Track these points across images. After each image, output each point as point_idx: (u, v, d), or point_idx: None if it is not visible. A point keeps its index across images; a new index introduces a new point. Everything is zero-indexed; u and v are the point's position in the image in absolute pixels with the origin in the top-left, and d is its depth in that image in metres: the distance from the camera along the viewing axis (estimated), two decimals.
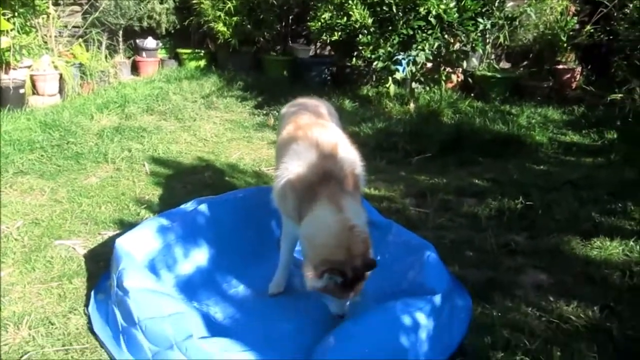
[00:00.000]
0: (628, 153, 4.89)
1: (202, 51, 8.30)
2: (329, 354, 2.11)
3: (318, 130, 2.60)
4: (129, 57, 8.11)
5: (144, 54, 8.16)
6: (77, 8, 7.91)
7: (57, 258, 3.14)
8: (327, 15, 5.82)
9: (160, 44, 8.30)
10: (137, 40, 8.13)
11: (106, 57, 7.41)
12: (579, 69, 7.16)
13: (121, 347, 2.32)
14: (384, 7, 5.46)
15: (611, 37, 6.63)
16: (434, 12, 5.23)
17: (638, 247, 3.29)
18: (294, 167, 2.46)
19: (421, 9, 5.28)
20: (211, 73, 7.77)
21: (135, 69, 8.17)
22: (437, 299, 2.37)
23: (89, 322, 2.55)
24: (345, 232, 2.23)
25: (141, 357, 2.24)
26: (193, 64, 8.22)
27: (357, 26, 5.51)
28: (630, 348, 2.40)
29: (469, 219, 3.76)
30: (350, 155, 2.56)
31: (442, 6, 5.16)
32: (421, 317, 2.26)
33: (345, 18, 5.67)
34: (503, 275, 3.03)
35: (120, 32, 7.87)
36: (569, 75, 7.15)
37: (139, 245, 2.71)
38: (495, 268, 3.11)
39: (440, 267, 2.69)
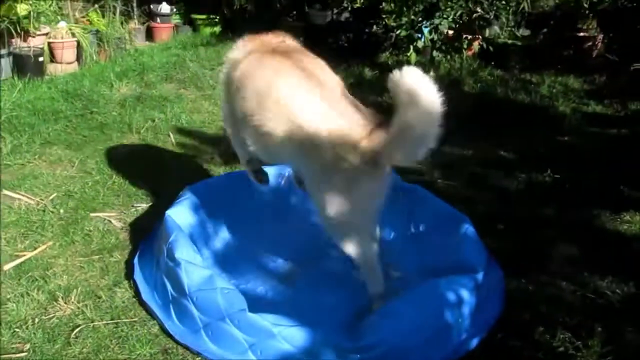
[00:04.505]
0: None
1: (217, 17, 8.19)
2: (376, 331, 2.17)
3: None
4: (143, 23, 8.02)
5: (158, 19, 8.07)
6: None
7: (95, 231, 3.19)
8: None
9: (175, 10, 8.20)
10: (152, 6, 8.03)
11: (122, 23, 7.31)
12: (601, 36, 7.05)
13: (171, 316, 2.38)
14: None
15: (635, 4, 6.51)
16: None
17: None
18: None
19: None
20: (227, 39, 7.63)
21: (149, 34, 8.09)
22: (480, 275, 2.42)
23: (136, 295, 2.61)
24: None
25: (192, 327, 2.30)
26: (208, 30, 8.13)
27: None
28: None
29: (497, 191, 3.78)
30: None
31: None
32: (465, 294, 2.31)
33: None
34: (535, 249, 3.07)
35: None
36: (590, 43, 7.05)
37: (186, 218, 2.76)
38: (526, 242, 3.14)
39: (478, 241, 2.73)
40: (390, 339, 2.12)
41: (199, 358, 2.26)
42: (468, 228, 2.77)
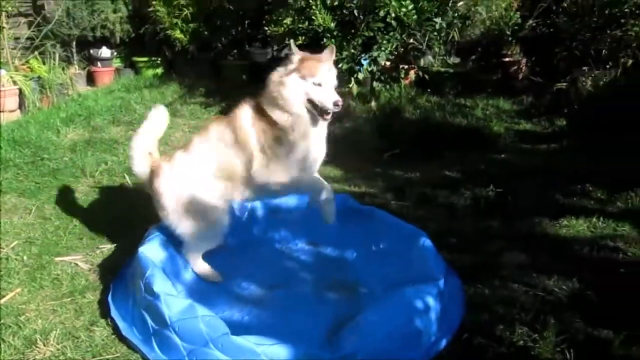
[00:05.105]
0: (577, 140, 5.34)
1: (159, 59, 8.28)
2: (353, 341, 2.31)
3: None
4: (84, 68, 8.02)
5: (99, 63, 8.09)
6: (21, 19, 7.66)
7: (63, 274, 3.20)
8: (288, 20, 5.98)
9: (115, 53, 8.25)
10: (92, 50, 8.05)
11: (63, 69, 7.29)
12: (524, 60, 7.62)
13: (154, 348, 2.45)
14: (345, 11, 5.67)
15: (552, 30, 7.10)
16: (393, 15, 5.48)
17: (600, 222, 3.67)
18: None
19: (380, 12, 5.52)
20: (170, 81, 7.76)
21: (90, 79, 8.09)
22: (441, 282, 2.62)
23: (114, 332, 2.65)
24: None
25: (176, 356, 2.37)
26: (150, 72, 8.19)
27: (319, 30, 5.70)
28: (608, 311, 2.71)
29: (447, 208, 4.05)
30: None
31: (403, 9, 5.41)
32: (430, 300, 2.50)
33: (306, 22, 5.84)
34: (486, 258, 3.31)
35: (74, 42, 7.78)
36: (515, 67, 7.60)
37: (157, 254, 2.85)
38: (478, 252, 3.39)
39: (435, 252, 2.95)
40: (366, 347, 2.28)
41: None
42: (425, 241, 2.99)
